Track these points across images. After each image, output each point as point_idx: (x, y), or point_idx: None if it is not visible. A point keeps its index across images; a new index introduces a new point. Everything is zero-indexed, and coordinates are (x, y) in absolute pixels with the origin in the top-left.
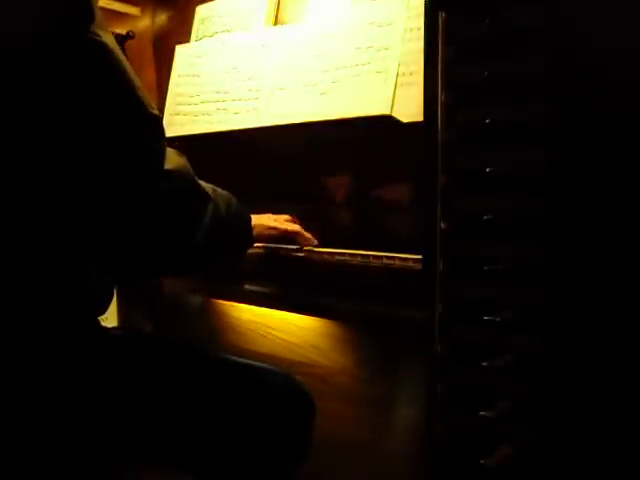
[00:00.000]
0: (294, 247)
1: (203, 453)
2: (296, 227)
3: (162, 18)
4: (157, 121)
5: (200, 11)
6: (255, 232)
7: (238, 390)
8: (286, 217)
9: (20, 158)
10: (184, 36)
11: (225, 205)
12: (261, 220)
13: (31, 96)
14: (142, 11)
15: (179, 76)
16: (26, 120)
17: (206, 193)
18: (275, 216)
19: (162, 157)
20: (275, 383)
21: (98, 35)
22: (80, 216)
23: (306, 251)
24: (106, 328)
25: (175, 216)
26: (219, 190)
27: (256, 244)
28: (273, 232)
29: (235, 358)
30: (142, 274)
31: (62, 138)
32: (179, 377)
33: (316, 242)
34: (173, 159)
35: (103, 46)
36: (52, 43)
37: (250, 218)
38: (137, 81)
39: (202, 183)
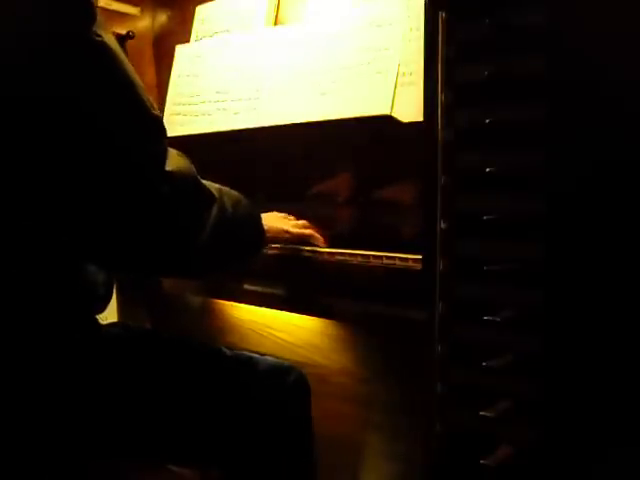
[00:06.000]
0: (295, 247)
1: (203, 446)
2: (309, 230)
3: (162, 18)
4: (158, 123)
5: (200, 11)
6: (270, 235)
7: (237, 383)
8: (298, 220)
9: (21, 157)
10: (184, 36)
11: (232, 205)
12: (276, 222)
13: (31, 97)
14: (142, 11)
15: (179, 76)
16: (27, 120)
17: (210, 194)
18: (283, 215)
19: (163, 159)
20: (263, 369)
21: (99, 35)
22: (80, 215)
23: (306, 251)
24: (104, 325)
25: (177, 217)
26: (227, 190)
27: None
28: (287, 236)
29: (234, 351)
30: (142, 273)
31: (62, 138)
32: (178, 372)
33: (325, 243)
34: (175, 160)
35: (104, 46)
36: (53, 44)
37: (261, 218)
38: (139, 82)
39: (207, 183)
